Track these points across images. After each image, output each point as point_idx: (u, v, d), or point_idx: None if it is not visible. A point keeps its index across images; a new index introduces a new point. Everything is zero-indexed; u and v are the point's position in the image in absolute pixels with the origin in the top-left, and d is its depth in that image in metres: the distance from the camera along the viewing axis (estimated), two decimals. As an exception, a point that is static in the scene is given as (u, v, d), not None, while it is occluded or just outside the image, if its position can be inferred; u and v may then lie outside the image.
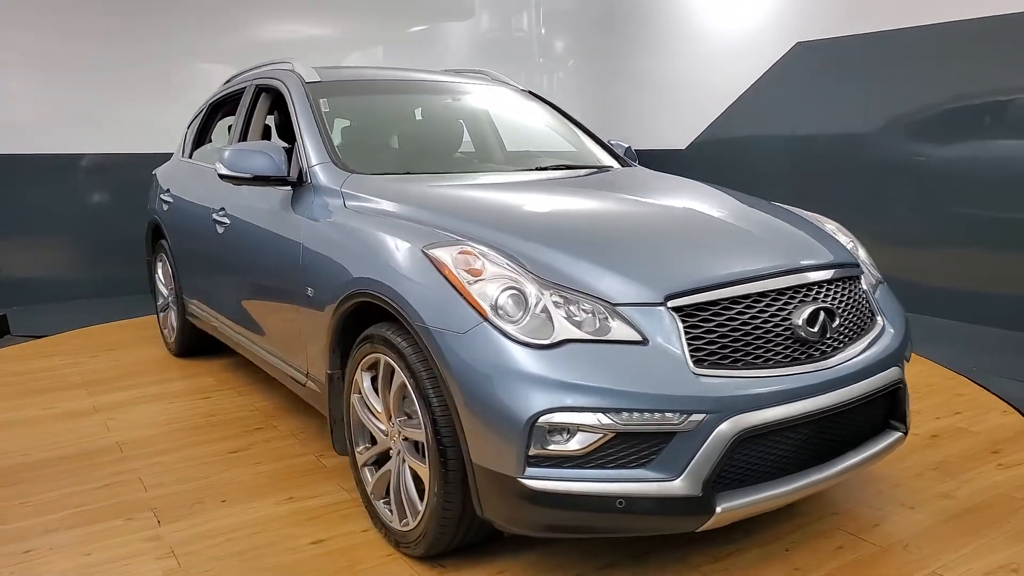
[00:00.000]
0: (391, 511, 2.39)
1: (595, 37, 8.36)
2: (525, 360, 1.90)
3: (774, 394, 1.98)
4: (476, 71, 4.07)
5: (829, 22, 6.11)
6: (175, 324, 4.55)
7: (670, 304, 1.99)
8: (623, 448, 1.89)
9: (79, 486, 2.89)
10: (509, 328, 1.94)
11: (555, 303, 1.98)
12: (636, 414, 1.86)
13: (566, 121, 3.82)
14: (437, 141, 3.60)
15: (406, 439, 2.29)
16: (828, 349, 2.16)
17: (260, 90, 3.76)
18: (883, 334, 2.36)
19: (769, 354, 2.05)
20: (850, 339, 2.24)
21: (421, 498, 2.24)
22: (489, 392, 1.92)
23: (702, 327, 2.01)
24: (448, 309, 2.04)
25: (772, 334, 2.07)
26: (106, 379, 4.26)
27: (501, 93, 3.88)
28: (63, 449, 3.26)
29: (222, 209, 3.55)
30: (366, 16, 7.78)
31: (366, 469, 2.52)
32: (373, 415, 2.45)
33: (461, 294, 2.03)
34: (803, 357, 2.10)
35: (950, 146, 5.26)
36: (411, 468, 2.27)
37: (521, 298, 1.99)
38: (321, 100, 3.23)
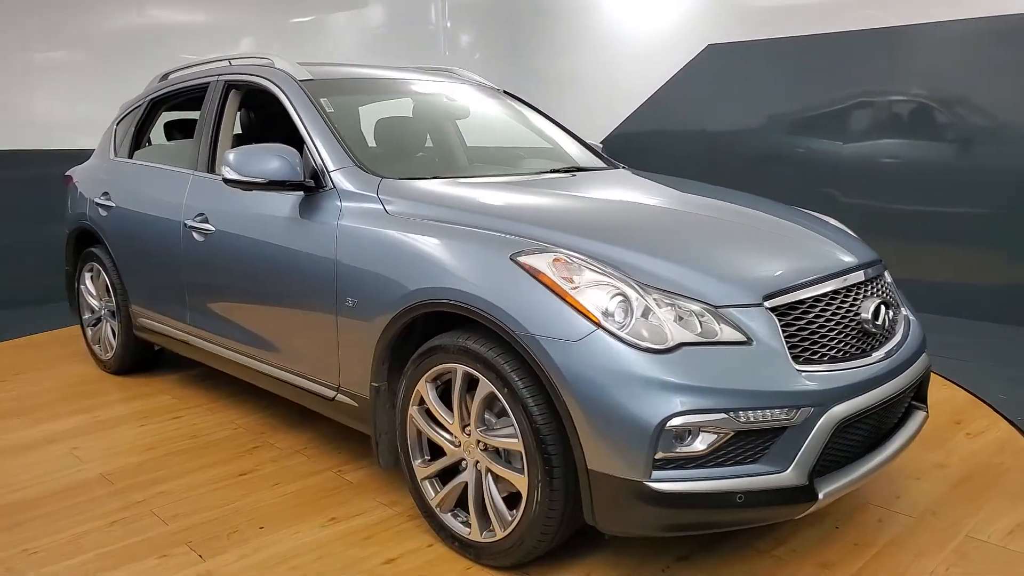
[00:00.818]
0: (466, 523, 2.35)
1: (506, 33, 8.40)
2: (647, 365, 1.93)
3: (859, 384, 2.13)
4: (443, 69, 4.01)
5: (740, 27, 6.50)
6: (115, 340, 4.18)
7: (767, 304, 2.10)
8: (740, 445, 1.97)
9: (85, 525, 2.62)
10: (624, 334, 1.97)
11: (660, 307, 2.03)
12: (755, 412, 1.95)
13: (547, 121, 3.85)
14: (451, 142, 3.54)
15: (486, 448, 2.26)
16: (883, 340, 2.34)
17: (230, 87, 3.53)
18: (911, 323, 2.59)
19: (845, 347, 2.20)
20: (895, 330, 2.44)
21: (510, 507, 2.22)
22: (611, 399, 1.94)
23: (794, 325, 2.13)
24: (555, 317, 2.04)
25: (847, 328, 2.23)
26: (46, 403, 3.86)
27: (488, 92, 3.86)
28: (41, 486, 2.93)
29: (200, 215, 3.31)
30: (241, 3, 7.29)
31: (427, 483, 2.47)
32: (439, 427, 2.40)
33: (567, 302, 2.04)
34: (869, 348, 2.27)
35: (825, 140, 5.86)
36: (496, 477, 2.25)
37: (627, 303, 2.02)
38: (322, 100, 3.09)
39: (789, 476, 1.99)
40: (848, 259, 2.41)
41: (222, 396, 3.88)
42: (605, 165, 3.58)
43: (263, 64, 3.41)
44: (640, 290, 2.05)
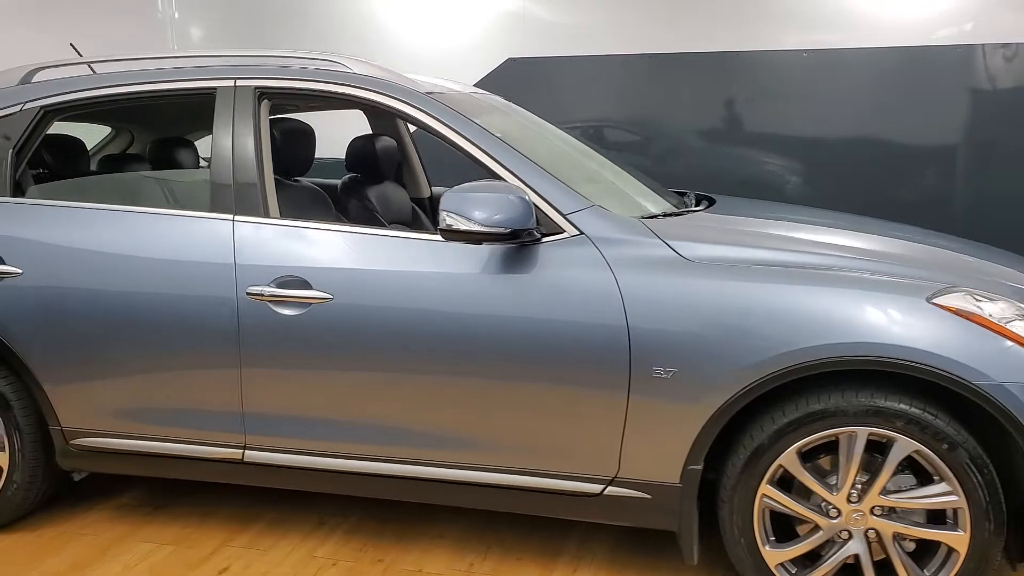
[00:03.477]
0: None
1: (249, 30, 7.25)
2: None
3: None
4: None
5: (540, 43, 6.63)
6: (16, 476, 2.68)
7: None
8: None
9: None
10: None
11: None
12: None
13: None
14: (599, 165, 3.02)
15: (886, 513, 2.08)
16: None
17: (262, 96, 2.53)
18: None
19: None
20: None
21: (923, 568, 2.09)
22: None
23: None
24: (1011, 359, 1.96)
25: None
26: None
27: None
28: None
29: (279, 280, 2.33)
30: None
31: (782, 568, 2.16)
32: (807, 500, 2.12)
33: (1012, 339, 1.98)
34: None
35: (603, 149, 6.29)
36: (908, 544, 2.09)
37: None
38: (476, 121, 2.42)
39: None
40: None
41: (232, 530, 2.78)
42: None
43: (331, 68, 2.53)
44: None
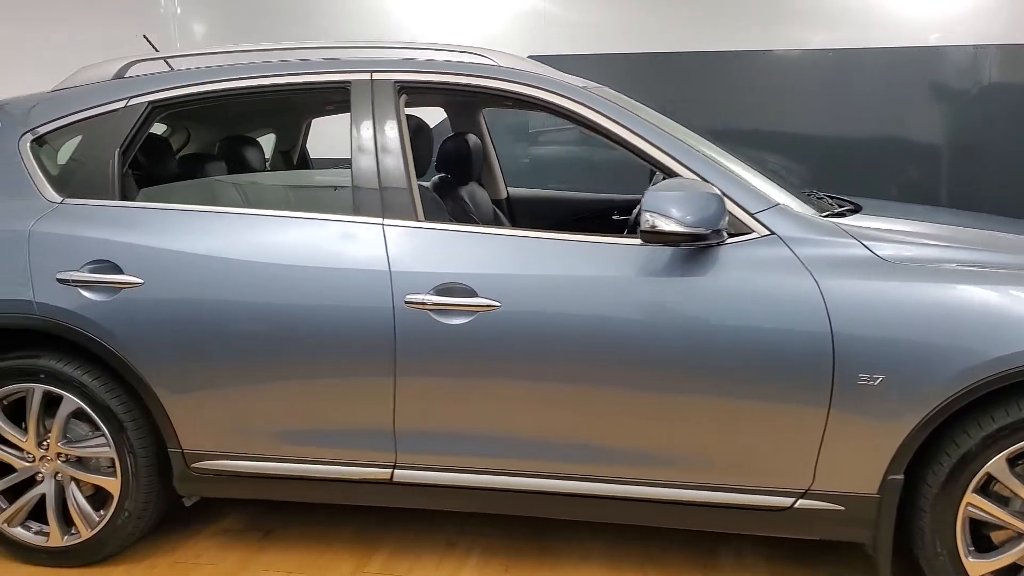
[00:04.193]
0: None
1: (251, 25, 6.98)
2: None
3: None
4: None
5: (561, 41, 6.51)
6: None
7: None
8: None
9: None
10: None
11: None
12: None
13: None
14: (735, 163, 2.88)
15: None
16: None
17: (402, 91, 2.37)
18: None
19: None
20: None
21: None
22: None
23: None
24: None
25: None
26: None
27: None
28: None
29: (440, 288, 2.17)
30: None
31: (999, 580, 2.09)
32: (1012, 508, 2.05)
33: None
34: None
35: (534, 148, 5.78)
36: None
37: None
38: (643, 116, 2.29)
39: None
40: None
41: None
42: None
43: (473, 60, 2.39)
44: None
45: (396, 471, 2.33)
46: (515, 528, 2.67)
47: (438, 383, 2.24)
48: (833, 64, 4.76)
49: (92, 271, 2.33)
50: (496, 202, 3.74)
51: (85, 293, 2.32)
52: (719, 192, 2.04)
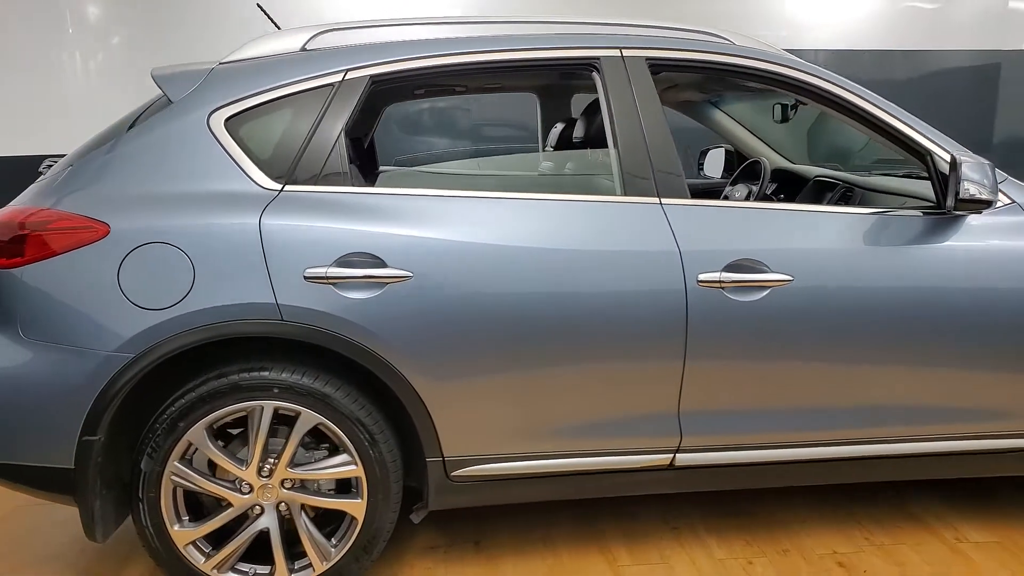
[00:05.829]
0: None
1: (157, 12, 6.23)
2: None
3: None
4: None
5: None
6: (335, 538, 2.17)
7: None
8: None
9: None
10: None
11: None
12: None
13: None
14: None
15: None
16: None
17: (656, 68, 2.34)
18: None
19: None
20: None
21: None
22: None
23: None
24: None
25: None
26: None
27: None
28: None
29: (732, 267, 2.18)
30: None
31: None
32: None
33: None
34: None
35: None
36: None
37: None
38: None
39: None
40: None
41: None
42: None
43: (714, 40, 2.41)
44: None
45: (678, 455, 2.29)
46: (714, 505, 2.72)
47: (729, 361, 2.24)
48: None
49: (350, 266, 2.05)
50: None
51: (341, 292, 2.05)
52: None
